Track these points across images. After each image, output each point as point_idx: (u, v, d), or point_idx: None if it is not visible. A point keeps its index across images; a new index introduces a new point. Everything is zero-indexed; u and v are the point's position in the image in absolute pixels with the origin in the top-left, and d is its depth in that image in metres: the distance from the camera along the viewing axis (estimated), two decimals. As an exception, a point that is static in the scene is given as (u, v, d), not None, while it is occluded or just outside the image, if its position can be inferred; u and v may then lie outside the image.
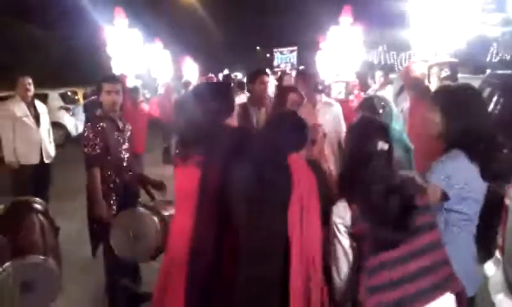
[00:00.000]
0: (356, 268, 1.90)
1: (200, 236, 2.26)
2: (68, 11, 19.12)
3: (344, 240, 1.91)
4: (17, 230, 2.57)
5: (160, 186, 3.57)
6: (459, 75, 7.91)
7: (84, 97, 13.01)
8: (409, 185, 1.92)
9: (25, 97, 5.43)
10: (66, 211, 6.01)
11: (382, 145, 1.88)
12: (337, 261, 1.95)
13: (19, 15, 21.21)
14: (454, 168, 2.01)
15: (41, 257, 2.43)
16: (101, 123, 3.41)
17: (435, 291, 1.78)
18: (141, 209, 3.21)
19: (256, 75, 4.24)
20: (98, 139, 3.34)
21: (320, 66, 7.88)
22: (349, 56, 5.71)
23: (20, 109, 5.37)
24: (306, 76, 4.42)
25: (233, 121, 2.46)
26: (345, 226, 1.90)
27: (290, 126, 2.26)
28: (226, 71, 14.96)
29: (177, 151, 2.49)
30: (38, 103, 5.68)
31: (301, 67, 14.47)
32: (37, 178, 5.45)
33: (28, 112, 5.41)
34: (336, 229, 1.92)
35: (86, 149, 3.36)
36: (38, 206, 2.91)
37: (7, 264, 2.33)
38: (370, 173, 1.87)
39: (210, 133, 2.29)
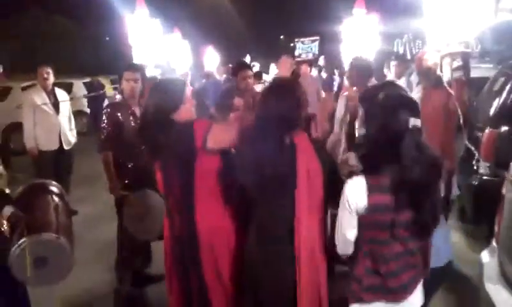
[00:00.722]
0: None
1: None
2: (95, 3, 19.50)
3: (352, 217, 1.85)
4: (32, 209, 2.73)
5: None
6: (481, 65, 7.79)
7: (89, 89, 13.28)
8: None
9: (45, 86, 5.64)
10: (85, 197, 6.25)
11: (414, 121, 1.75)
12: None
13: (48, 8, 21.80)
14: None
15: (54, 235, 2.59)
16: (116, 110, 3.59)
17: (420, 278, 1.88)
18: (150, 191, 3.42)
19: (237, 70, 4.30)
20: (109, 125, 3.52)
21: (343, 56, 7.90)
22: (363, 46, 5.72)
23: (39, 97, 5.59)
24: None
25: (186, 114, 2.43)
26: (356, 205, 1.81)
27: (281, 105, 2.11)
28: (247, 59, 14.94)
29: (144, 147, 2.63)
30: (59, 91, 5.89)
31: (322, 56, 14.34)
32: (57, 164, 5.67)
33: (47, 100, 5.63)
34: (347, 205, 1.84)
35: (100, 134, 3.58)
36: (53, 189, 3.08)
37: (22, 240, 2.50)
38: (403, 151, 1.72)
39: (160, 135, 2.33)
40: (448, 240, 2.18)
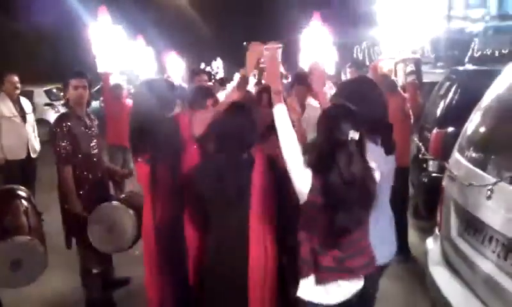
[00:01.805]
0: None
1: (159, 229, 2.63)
2: (53, 9, 19.11)
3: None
4: (2, 214, 2.81)
5: (126, 176, 3.80)
6: (435, 71, 8.27)
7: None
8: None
9: (12, 95, 5.59)
10: (49, 203, 6.19)
11: (353, 134, 1.89)
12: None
13: (3, 12, 21.13)
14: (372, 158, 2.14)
15: (28, 237, 2.68)
16: (68, 122, 3.43)
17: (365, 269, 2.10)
18: (116, 203, 3.40)
19: (193, 75, 4.46)
20: (67, 138, 3.38)
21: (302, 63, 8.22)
22: (320, 54, 6.08)
23: (6, 106, 5.53)
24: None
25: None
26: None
27: (240, 120, 2.32)
28: (217, 64, 15.06)
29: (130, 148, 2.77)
30: (23, 100, 5.85)
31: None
32: (23, 172, 5.64)
33: (14, 110, 5.58)
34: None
35: (56, 149, 3.39)
36: (21, 193, 3.15)
37: (-4, 243, 2.58)
38: (340, 160, 1.89)
39: (152, 129, 2.53)
40: (385, 241, 2.29)
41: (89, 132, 3.59)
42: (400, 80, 4.47)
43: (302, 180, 1.99)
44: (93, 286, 3.69)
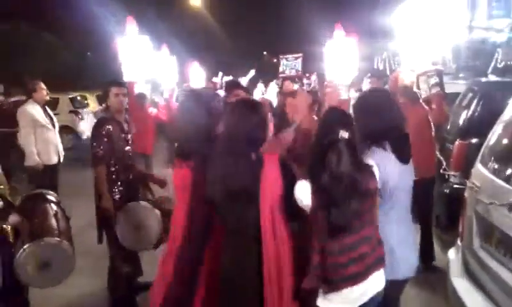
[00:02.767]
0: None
1: (190, 228, 2.60)
2: (80, 19, 19.63)
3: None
4: (34, 217, 2.92)
5: (161, 183, 3.91)
6: (457, 82, 8.21)
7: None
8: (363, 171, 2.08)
9: (42, 101, 5.78)
10: (74, 207, 6.33)
11: (342, 133, 2.02)
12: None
13: (33, 22, 21.79)
14: (375, 160, 2.22)
15: (57, 239, 2.79)
16: (107, 126, 3.67)
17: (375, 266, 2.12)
18: (144, 203, 3.61)
19: (230, 88, 4.47)
20: (105, 140, 3.61)
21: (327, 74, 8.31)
22: (344, 64, 6.10)
23: (38, 113, 5.70)
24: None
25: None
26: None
27: (252, 126, 2.32)
28: (220, 75, 15.12)
29: (177, 154, 2.82)
30: (47, 107, 6.03)
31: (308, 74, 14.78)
32: (50, 177, 5.79)
33: (45, 116, 5.77)
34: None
35: (93, 149, 3.62)
36: (50, 197, 3.28)
37: (27, 245, 2.69)
38: (330, 158, 2.01)
39: (199, 142, 2.58)
40: (404, 254, 2.28)
41: (125, 136, 3.80)
42: (423, 92, 4.47)
43: (304, 192, 2.08)
44: (118, 289, 3.81)
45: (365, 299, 2.10)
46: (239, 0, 30.59)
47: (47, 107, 6.01)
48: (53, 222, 2.95)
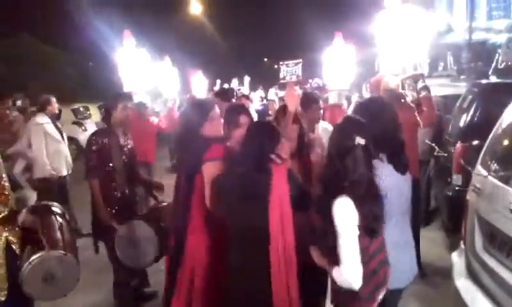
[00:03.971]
0: None
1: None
2: (81, 32, 19.82)
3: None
4: (39, 229, 2.94)
5: (159, 187, 3.95)
6: (458, 84, 8.22)
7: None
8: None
9: (52, 113, 5.86)
10: (79, 218, 6.37)
11: (359, 140, 2.06)
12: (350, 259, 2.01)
13: (36, 35, 22.01)
14: None
15: (62, 252, 2.80)
16: (102, 139, 3.66)
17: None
18: (139, 221, 3.58)
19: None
20: (96, 152, 3.61)
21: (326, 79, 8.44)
22: (343, 70, 6.25)
23: (49, 125, 5.76)
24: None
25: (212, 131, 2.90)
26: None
27: (264, 135, 2.52)
28: (218, 83, 15.23)
29: (173, 160, 2.97)
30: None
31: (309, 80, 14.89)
32: (60, 189, 5.85)
33: (54, 127, 5.84)
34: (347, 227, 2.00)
35: (86, 163, 3.64)
36: (56, 209, 3.29)
37: (33, 257, 2.70)
38: (349, 165, 2.04)
39: (186, 144, 2.76)
40: (400, 263, 2.26)
41: (123, 148, 3.79)
42: (409, 96, 4.49)
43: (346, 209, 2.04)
44: (124, 300, 3.82)
45: None
46: (239, 9, 30.78)
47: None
48: (58, 234, 2.96)
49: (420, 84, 4.14)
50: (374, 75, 5.33)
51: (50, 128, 5.76)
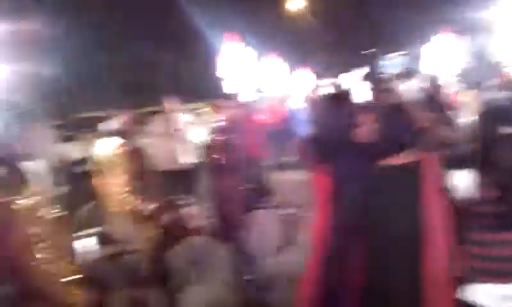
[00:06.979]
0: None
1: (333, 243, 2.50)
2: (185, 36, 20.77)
3: None
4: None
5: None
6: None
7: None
8: None
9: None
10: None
11: (504, 130, 2.03)
12: None
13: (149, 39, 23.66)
14: None
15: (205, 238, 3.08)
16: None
17: None
18: None
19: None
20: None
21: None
22: (451, 62, 6.03)
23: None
24: None
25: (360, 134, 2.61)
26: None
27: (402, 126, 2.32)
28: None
29: (312, 157, 2.78)
30: None
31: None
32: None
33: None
34: None
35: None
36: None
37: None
38: (499, 154, 2.02)
39: (339, 145, 2.55)
40: None
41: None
42: None
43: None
44: None
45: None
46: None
47: None
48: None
49: None
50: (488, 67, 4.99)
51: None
